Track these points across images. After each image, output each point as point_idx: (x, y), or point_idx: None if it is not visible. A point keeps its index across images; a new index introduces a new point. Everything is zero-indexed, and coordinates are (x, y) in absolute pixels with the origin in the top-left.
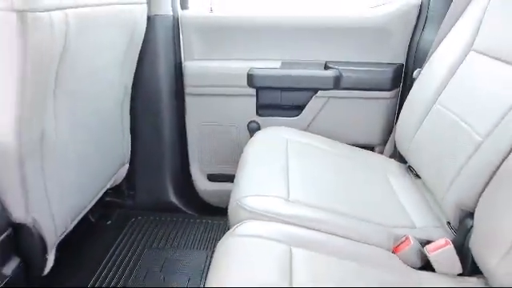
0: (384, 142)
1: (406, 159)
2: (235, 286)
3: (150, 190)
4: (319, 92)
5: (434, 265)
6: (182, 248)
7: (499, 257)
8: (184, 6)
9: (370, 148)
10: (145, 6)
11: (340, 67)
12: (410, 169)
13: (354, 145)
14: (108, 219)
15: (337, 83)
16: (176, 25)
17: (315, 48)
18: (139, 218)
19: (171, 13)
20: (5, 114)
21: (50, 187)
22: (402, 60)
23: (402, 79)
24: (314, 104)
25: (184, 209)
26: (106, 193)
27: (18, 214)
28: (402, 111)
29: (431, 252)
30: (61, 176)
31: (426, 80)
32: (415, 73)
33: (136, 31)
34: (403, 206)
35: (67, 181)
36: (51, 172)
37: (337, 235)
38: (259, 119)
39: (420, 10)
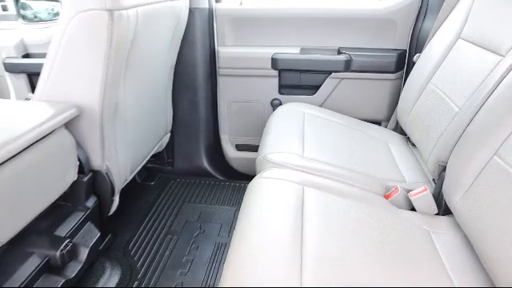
0: (389, 118)
1: (405, 131)
2: (261, 212)
3: (186, 158)
4: (333, 74)
5: (415, 206)
6: (214, 204)
7: (461, 194)
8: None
9: (377, 123)
10: (187, 1)
11: (351, 52)
12: (409, 140)
13: (362, 120)
14: (151, 181)
15: (348, 66)
16: (211, 16)
17: (330, 36)
18: (177, 180)
19: (207, 6)
20: (93, 89)
21: (118, 145)
22: (405, 46)
23: (405, 63)
24: (328, 84)
25: (215, 174)
26: (148, 160)
27: (96, 163)
28: (402, 90)
29: (412, 196)
30: (125, 137)
31: (422, 63)
32: (415, 57)
33: (180, 21)
34: (398, 166)
35: (129, 141)
36: (119, 133)
37: (339, 182)
38: (281, 97)
39: (422, 1)
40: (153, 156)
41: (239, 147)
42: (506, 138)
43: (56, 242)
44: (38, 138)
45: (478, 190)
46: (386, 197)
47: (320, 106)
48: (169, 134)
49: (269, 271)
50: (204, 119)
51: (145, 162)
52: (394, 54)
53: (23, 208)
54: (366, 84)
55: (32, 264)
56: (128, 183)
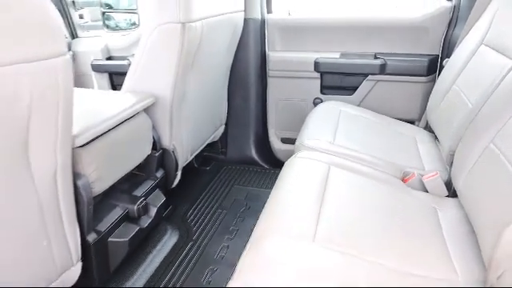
0: (421, 117)
1: (432, 128)
2: (292, 182)
3: (237, 148)
4: (369, 76)
5: (427, 188)
6: (260, 188)
7: (464, 178)
8: (269, 11)
9: (411, 122)
10: (243, 12)
11: (386, 57)
12: (437, 138)
13: (396, 119)
14: (207, 166)
15: (383, 69)
16: (263, 25)
17: (367, 42)
18: (229, 167)
19: (260, 16)
20: (167, 83)
21: (182, 129)
22: (437, 52)
23: (437, 67)
24: (365, 86)
25: (261, 163)
26: (204, 149)
27: (165, 142)
28: (432, 92)
29: (425, 179)
30: (188, 123)
31: (449, 67)
32: (444, 62)
33: (236, 30)
34: (420, 157)
35: (191, 126)
36: (184, 120)
37: (362, 165)
38: (322, 96)
39: (453, 11)
40: (209, 145)
41: (284, 140)
42: (501, 127)
43: (134, 199)
44: (126, 118)
45: (475, 174)
46: (404, 181)
47: (357, 105)
48: (223, 126)
49: (292, 224)
50: (254, 114)
51: (203, 147)
52: (426, 58)
53: (115, 167)
54: (399, 86)
55: (116, 213)
56: (188, 167)
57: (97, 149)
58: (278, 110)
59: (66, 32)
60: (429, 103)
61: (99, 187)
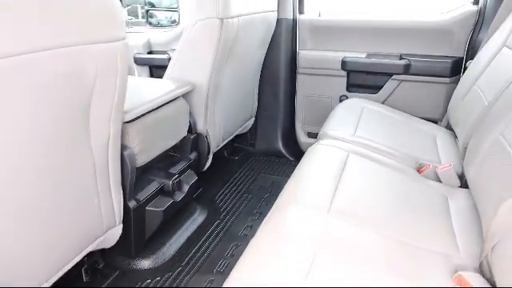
0: (443, 117)
1: (452, 126)
2: (312, 165)
3: (265, 140)
4: (394, 76)
5: (441, 178)
6: (285, 177)
7: (474, 169)
8: (301, 11)
9: (434, 121)
10: (276, 12)
11: (411, 58)
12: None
13: (419, 117)
14: (236, 156)
15: (407, 70)
16: (295, 25)
17: (392, 43)
18: (256, 157)
19: (292, 16)
20: (204, 73)
21: (215, 116)
22: (461, 54)
23: (462, 69)
24: (389, 85)
25: (288, 155)
26: (233, 140)
27: (200, 127)
28: (454, 92)
29: (439, 170)
30: (221, 111)
31: (472, 68)
32: (468, 63)
33: (269, 28)
34: (438, 152)
35: (223, 115)
36: (217, 107)
37: (379, 154)
38: (348, 94)
39: (478, 14)
40: (239, 137)
41: (310, 134)
42: (510, 120)
43: (169, 175)
44: (167, 101)
45: (485, 164)
46: (420, 172)
47: (381, 103)
48: (253, 119)
49: (309, 197)
50: (283, 109)
51: (233, 136)
52: (450, 60)
53: (156, 144)
54: (423, 86)
55: (153, 186)
56: (218, 155)
57: (141, 125)
58: (305, 106)
59: None
60: (450, 103)
61: (141, 160)
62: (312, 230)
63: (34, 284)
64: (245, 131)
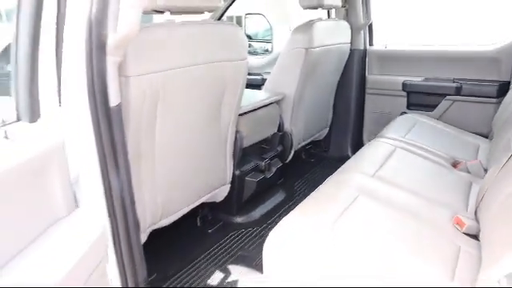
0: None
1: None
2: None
3: (337, 148)
4: (447, 96)
5: (470, 170)
6: None
7: (492, 164)
8: (371, 44)
9: (484, 136)
10: (349, 44)
11: (462, 82)
12: None
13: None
14: (311, 159)
15: (459, 91)
16: (365, 54)
17: (446, 69)
18: (329, 161)
19: (363, 47)
20: (291, 86)
21: (298, 119)
22: (508, 78)
23: (508, 91)
24: (443, 104)
25: None
26: (310, 147)
27: (286, 126)
28: (498, 110)
29: (468, 164)
30: (302, 116)
31: None
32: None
33: (343, 56)
34: (477, 156)
35: (304, 120)
36: (300, 113)
37: (422, 151)
38: (408, 111)
39: None
40: (315, 144)
41: None
42: None
43: (262, 159)
44: (264, 105)
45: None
46: (455, 167)
47: (436, 120)
48: (327, 129)
49: (358, 169)
50: (352, 122)
51: (310, 140)
52: (497, 84)
53: (256, 133)
54: (473, 106)
55: (251, 164)
56: (297, 157)
57: (248, 118)
58: (371, 120)
59: None
60: (494, 118)
61: (245, 142)
62: (359, 183)
63: (178, 205)
64: (320, 138)
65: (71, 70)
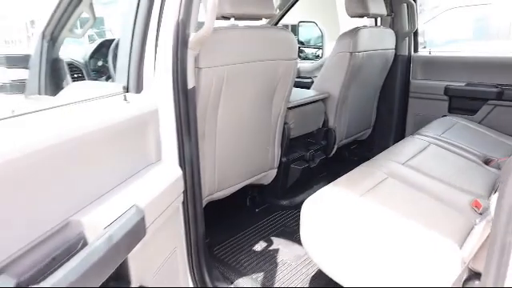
0: None
1: None
2: (399, 145)
3: (380, 148)
4: (489, 101)
5: (501, 167)
6: None
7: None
8: (415, 50)
9: None
10: (393, 50)
11: (503, 87)
12: None
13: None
14: (355, 157)
15: (500, 96)
16: (409, 60)
17: (488, 74)
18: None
19: (407, 54)
20: (336, 86)
21: (342, 117)
22: None
23: None
24: (484, 109)
25: None
26: (355, 147)
27: (330, 123)
28: None
29: (499, 160)
30: (346, 115)
31: None
32: None
33: (387, 61)
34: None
35: (347, 118)
36: (343, 112)
37: (456, 148)
38: (449, 115)
39: None
40: (358, 144)
41: None
42: None
43: (307, 150)
44: (311, 101)
45: None
46: (488, 164)
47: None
48: (371, 129)
49: (391, 158)
50: (395, 124)
51: (353, 139)
52: None
53: (302, 126)
54: None
55: (297, 154)
56: (341, 157)
57: (295, 112)
58: (414, 122)
59: None
60: None
61: (292, 133)
62: (389, 168)
63: (232, 180)
64: (363, 138)
65: (163, 58)
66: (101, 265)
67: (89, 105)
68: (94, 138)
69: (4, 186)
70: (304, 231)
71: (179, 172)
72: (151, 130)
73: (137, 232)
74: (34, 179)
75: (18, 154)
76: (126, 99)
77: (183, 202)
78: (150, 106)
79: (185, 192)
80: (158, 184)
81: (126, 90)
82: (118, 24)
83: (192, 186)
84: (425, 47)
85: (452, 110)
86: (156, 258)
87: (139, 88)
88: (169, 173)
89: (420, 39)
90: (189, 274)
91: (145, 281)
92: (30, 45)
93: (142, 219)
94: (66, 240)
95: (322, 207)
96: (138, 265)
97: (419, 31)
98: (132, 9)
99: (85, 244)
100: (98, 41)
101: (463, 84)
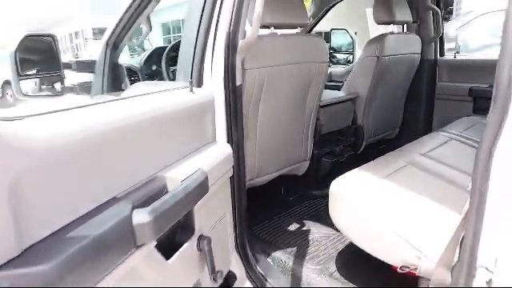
0: None
1: None
2: (420, 141)
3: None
4: None
5: None
6: None
7: None
8: (441, 54)
9: None
10: (419, 55)
11: None
12: None
13: None
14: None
15: None
16: (435, 64)
17: None
18: None
19: (433, 57)
20: (364, 87)
21: (370, 116)
22: None
23: None
24: None
25: None
26: (383, 147)
27: (359, 120)
28: None
29: None
30: (373, 113)
31: None
32: None
33: (413, 65)
34: None
35: (374, 117)
36: (371, 110)
37: (475, 143)
38: (473, 115)
39: None
40: (386, 143)
41: None
42: None
43: (337, 145)
44: (340, 101)
45: None
46: None
47: None
48: (398, 129)
49: (412, 149)
50: (422, 125)
51: (379, 137)
52: None
53: (332, 123)
54: None
55: (327, 148)
56: (369, 156)
57: (326, 110)
58: (440, 123)
59: None
60: None
61: (323, 129)
62: (408, 157)
63: (270, 168)
64: (391, 137)
65: (218, 61)
66: (179, 205)
67: (164, 95)
68: (170, 118)
69: (112, 147)
70: (332, 206)
71: (230, 150)
72: (209, 115)
73: (203, 187)
74: (134, 144)
75: (122, 123)
76: (192, 91)
77: (231, 177)
78: (209, 96)
79: (233, 167)
80: (215, 157)
81: (191, 85)
82: (181, 33)
83: (238, 164)
84: (458, 52)
85: (476, 111)
86: (211, 217)
87: (200, 84)
88: (222, 150)
89: (452, 45)
90: (233, 238)
91: (204, 232)
92: (79, 53)
93: (206, 178)
94: (154, 188)
95: (348, 186)
96: (200, 217)
97: (452, 36)
98: (195, 22)
99: (167, 192)
100: (151, 48)
101: (486, 86)
